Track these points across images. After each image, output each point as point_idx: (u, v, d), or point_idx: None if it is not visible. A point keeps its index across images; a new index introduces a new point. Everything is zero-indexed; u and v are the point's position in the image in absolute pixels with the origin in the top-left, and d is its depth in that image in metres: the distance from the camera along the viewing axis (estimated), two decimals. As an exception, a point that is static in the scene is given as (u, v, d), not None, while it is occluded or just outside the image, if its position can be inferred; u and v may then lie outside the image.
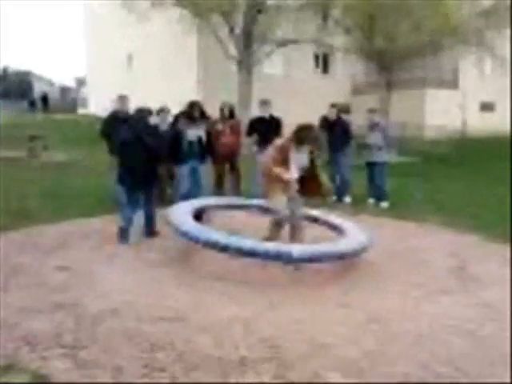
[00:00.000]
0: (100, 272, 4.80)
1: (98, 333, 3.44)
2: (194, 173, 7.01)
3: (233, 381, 2.92)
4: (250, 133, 8.64)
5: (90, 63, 28.62)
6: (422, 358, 3.25)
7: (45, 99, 30.18)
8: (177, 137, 6.97)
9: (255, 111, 10.63)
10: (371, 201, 8.74)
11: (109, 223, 6.59)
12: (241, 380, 2.92)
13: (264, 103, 8.72)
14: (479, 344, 3.48)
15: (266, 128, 8.45)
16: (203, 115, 7.45)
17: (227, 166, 8.62)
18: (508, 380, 2.99)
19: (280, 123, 8.58)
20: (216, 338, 3.42)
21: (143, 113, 6.20)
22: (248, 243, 4.62)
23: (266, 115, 8.61)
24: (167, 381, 2.90)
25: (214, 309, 3.95)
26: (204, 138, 7.04)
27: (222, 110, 8.58)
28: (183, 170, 7.01)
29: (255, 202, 6.51)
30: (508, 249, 5.85)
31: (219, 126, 8.43)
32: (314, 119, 9.24)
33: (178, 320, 3.69)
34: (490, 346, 3.45)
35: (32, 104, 29.57)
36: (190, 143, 6.95)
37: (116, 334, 3.42)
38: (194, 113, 7.15)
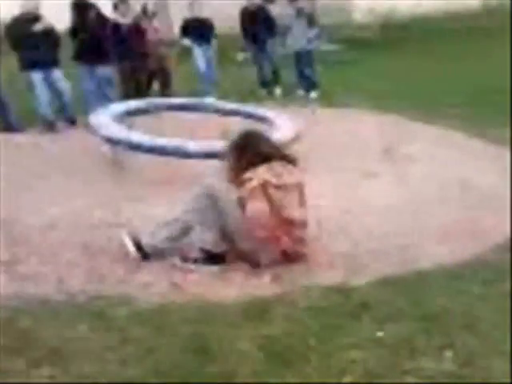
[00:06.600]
0: (34, 184, 4.65)
1: (36, 246, 3.39)
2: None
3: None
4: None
5: None
6: (356, 235, 3.43)
7: None
8: None
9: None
10: (301, 92, 8.62)
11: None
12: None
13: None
14: (414, 220, 3.68)
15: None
16: None
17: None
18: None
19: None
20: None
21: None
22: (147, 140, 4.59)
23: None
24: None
25: (154, 214, 3.87)
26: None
27: (144, 7, 8.24)
28: None
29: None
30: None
31: (144, 24, 8.04)
32: (235, 11, 8.92)
33: (118, 225, 3.64)
34: (423, 221, 3.66)
35: None
36: None
37: (54, 245, 3.38)
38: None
